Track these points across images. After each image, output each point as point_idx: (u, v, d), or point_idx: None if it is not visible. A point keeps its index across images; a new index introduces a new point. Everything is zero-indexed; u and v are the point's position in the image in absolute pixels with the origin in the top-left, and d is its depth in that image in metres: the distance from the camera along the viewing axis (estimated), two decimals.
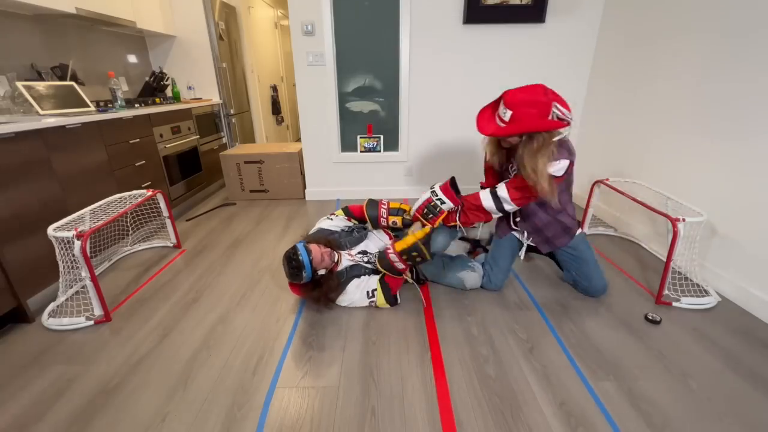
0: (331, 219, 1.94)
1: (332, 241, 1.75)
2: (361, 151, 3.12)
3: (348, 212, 1.97)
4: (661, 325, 1.55)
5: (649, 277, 1.92)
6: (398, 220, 1.78)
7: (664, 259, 1.67)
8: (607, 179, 2.16)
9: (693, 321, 1.57)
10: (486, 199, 1.56)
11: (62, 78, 2.43)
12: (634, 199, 1.89)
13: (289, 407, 1.19)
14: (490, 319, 1.61)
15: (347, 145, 3.12)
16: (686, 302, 1.66)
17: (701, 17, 1.86)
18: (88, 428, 1.13)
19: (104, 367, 1.37)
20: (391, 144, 3.11)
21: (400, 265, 1.60)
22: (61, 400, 1.23)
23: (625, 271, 1.99)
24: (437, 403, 1.20)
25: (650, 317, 1.58)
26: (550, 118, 1.40)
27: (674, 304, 1.67)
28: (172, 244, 2.34)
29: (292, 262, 1.55)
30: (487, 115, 1.52)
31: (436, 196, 1.60)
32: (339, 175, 3.19)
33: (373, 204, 1.87)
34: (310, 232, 1.87)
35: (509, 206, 1.54)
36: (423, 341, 1.48)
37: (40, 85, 2.14)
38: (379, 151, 3.12)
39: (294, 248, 1.58)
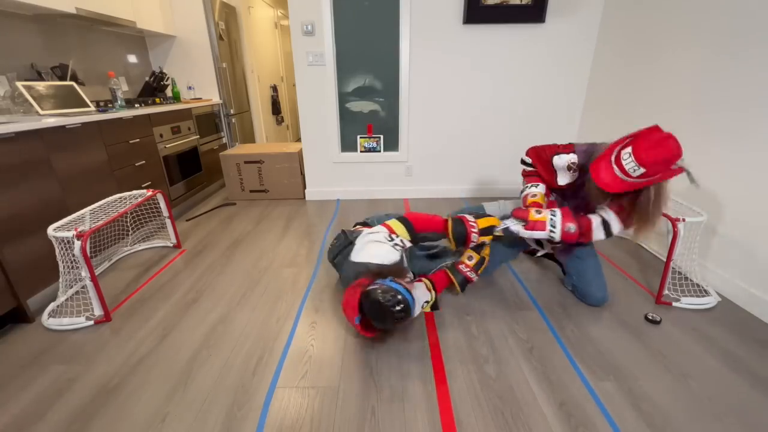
0: (392, 241, 1.53)
1: (404, 270, 1.50)
2: (361, 151, 3.12)
3: (410, 227, 1.58)
4: (661, 325, 1.55)
5: (649, 277, 1.92)
6: (488, 238, 1.58)
7: (664, 259, 1.67)
8: None
9: (693, 321, 1.57)
10: (598, 231, 1.49)
11: (62, 78, 2.43)
12: None
13: (289, 407, 1.19)
14: (490, 319, 1.61)
15: (347, 145, 3.12)
16: (686, 302, 1.66)
17: (701, 17, 1.86)
18: (88, 428, 1.13)
19: (104, 367, 1.37)
20: (391, 144, 3.11)
21: (475, 237, 1.55)
22: (61, 400, 1.23)
23: (625, 271, 1.99)
24: (437, 403, 1.20)
25: (650, 317, 1.58)
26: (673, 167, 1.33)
27: (674, 304, 1.67)
28: (172, 244, 2.34)
29: (398, 307, 1.27)
30: (603, 167, 1.37)
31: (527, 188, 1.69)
32: (339, 175, 3.19)
33: (459, 222, 1.58)
34: (366, 259, 1.49)
35: (616, 233, 1.51)
36: (423, 341, 1.48)
37: (40, 85, 2.14)
38: (379, 151, 3.12)
39: (390, 290, 1.29)
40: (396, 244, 1.52)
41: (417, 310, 1.39)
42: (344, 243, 1.70)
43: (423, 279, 1.59)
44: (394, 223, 1.58)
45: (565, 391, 1.23)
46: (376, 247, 1.50)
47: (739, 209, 1.69)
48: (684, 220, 1.60)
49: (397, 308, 1.27)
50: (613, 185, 1.35)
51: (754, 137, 1.62)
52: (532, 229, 1.50)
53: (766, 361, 1.36)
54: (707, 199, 1.83)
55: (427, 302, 1.52)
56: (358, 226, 1.86)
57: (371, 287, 1.33)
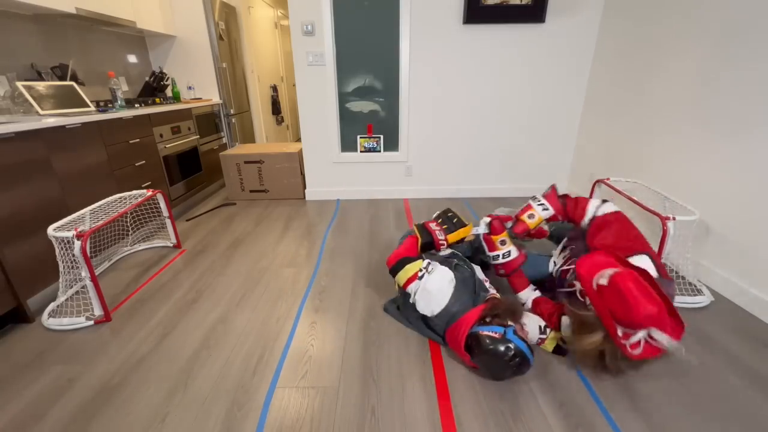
0: (427, 267, 1.45)
1: (519, 311, 1.36)
2: (361, 151, 3.12)
3: (422, 244, 1.57)
4: None
5: None
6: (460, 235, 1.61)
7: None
8: (608, 179, 2.16)
9: (693, 321, 1.57)
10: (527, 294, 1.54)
11: (62, 78, 2.43)
12: (630, 198, 1.90)
13: (289, 407, 1.19)
14: None
15: (347, 145, 3.12)
16: (679, 301, 1.66)
17: (701, 17, 1.86)
18: (88, 428, 1.13)
19: (104, 367, 1.37)
20: (391, 144, 3.11)
21: (434, 227, 1.60)
22: (61, 399, 1.23)
23: None
24: (437, 403, 1.20)
25: None
26: None
27: None
28: (172, 244, 2.34)
29: (518, 365, 1.18)
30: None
31: (538, 202, 1.60)
32: (339, 175, 3.19)
33: (424, 230, 1.61)
34: (441, 306, 1.38)
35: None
36: (423, 341, 1.48)
37: (40, 85, 2.14)
38: (379, 151, 3.12)
39: (508, 346, 1.17)
40: (426, 266, 1.44)
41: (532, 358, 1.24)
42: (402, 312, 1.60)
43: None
44: (402, 275, 1.47)
45: (564, 391, 1.23)
46: (430, 291, 1.39)
47: (738, 209, 1.69)
48: (674, 218, 1.59)
49: (514, 360, 1.17)
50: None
51: (753, 137, 1.62)
52: (487, 243, 1.60)
53: (765, 361, 1.36)
54: (707, 199, 1.83)
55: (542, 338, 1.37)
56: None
57: (486, 334, 1.22)
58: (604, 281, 1.18)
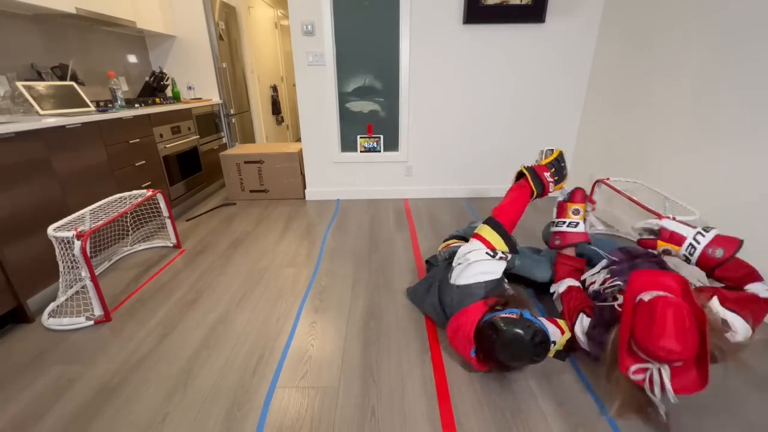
0: (495, 256, 1.41)
1: (525, 300, 1.34)
2: (361, 151, 3.12)
3: (503, 231, 1.48)
4: None
5: None
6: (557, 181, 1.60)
7: None
8: (608, 178, 2.16)
9: None
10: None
11: (62, 78, 2.43)
12: (630, 198, 1.89)
13: (289, 407, 1.19)
14: None
15: (347, 145, 3.12)
16: None
17: (701, 17, 1.86)
18: (88, 428, 1.13)
19: (104, 367, 1.37)
20: (391, 144, 3.11)
21: (548, 178, 1.56)
22: (61, 399, 1.23)
23: None
24: (437, 403, 1.20)
25: None
26: None
27: None
28: (172, 244, 2.34)
29: (540, 346, 1.13)
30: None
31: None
32: (339, 175, 3.19)
33: (534, 173, 1.59)
34: (473, 279, 1.36)
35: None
36: (423, 341, 1.48)
37: (40, 85, 2.14)
38: (379, 151, 3.12)
39: (528, 325, 1.13)
40: (500, 257, 1.41)
41: (552, 337, 1.20)
42: (434, 274, 1.58)
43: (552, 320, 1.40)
44: (488, 233, 1.45)
45: (564, 391, 1.23)
46: (480, 265, 1.37)
47: (738, 209, 1.69)
48: (674, 218, 1.59)
49: (535, 339, 1.10)
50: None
51: (753, 137, 1.62)
52: (559, 209, 1.58)
53: (766, 361, 1.36)
54: (707, 199, 1.83)
55: (554, 343, 1.28)
56: (449, 241, 1.80)
57: (493, 315, 1.19)
58: (646, 298, 1.07)
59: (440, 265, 1.64)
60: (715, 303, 1.12)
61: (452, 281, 1.41)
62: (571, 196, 1.56)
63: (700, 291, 1.18)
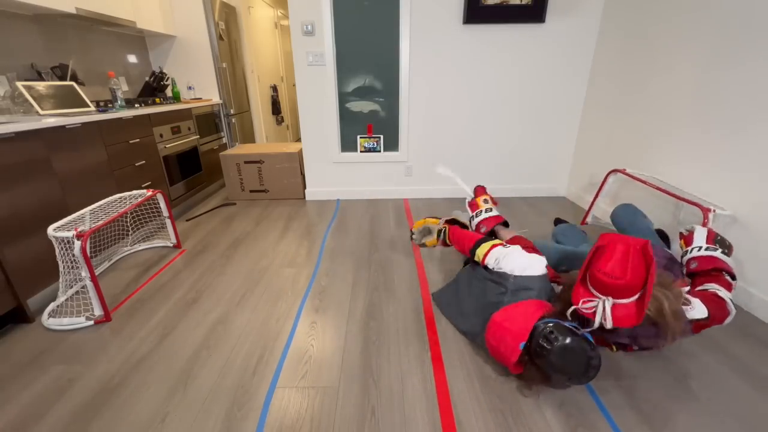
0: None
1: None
2: (361, 151, 3.12)
3: None
4: None
5: None
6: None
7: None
8: (624, 169, 2.25)
9: None
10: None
11: (62, 78, 2.43)
12: (658, 188, 1.97)
13: (289, 407, 1.19)
14: None
15: (347, 145, 3.12)
16: None
17: (701, 16, 1.86)
18: (88, 428, 1.13)
19: (104, 367, 1.37)
20: (391, 144, 3.11)
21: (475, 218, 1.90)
22: (61, 399, 1.23)
23: None
24: (437, 403, 1.20)
25: None
26: None
27: None
28: (172, 244, 2.34)
29: (593, 370, 1.09)
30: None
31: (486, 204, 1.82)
32: (339, 175, 3.19)
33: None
34: (535, 271, 1.38)
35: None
36: (423, 341, 1.48)
37: (40, 85, 2.14)
38: (379, 151, 3.12)
39: (594, 347, 1.09)
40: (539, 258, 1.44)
41: None
42: (460, 277, 1.65)
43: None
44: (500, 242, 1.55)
45: (564, 391, 1.23)
46: (523, 258, 1.41)
47: (737, 208, 1.69)
48: (714, 210, 1.67)
49: (593, 362, 1.07)
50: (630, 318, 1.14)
51: (753, 136, 1.62)
52: (471, 207, 1.94)
53: (766, 361, 1.36)
54: (706, 199, 1.83)
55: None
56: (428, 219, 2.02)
57: (559, 321, 1.15)
58: (606, 242, 1.21)
59: (466, 268, 1.69)
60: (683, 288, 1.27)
61: (508, 271, 1.40)
62: (476, 193, 1.90)
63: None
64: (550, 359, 1.10)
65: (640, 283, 1.13)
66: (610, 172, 2.23)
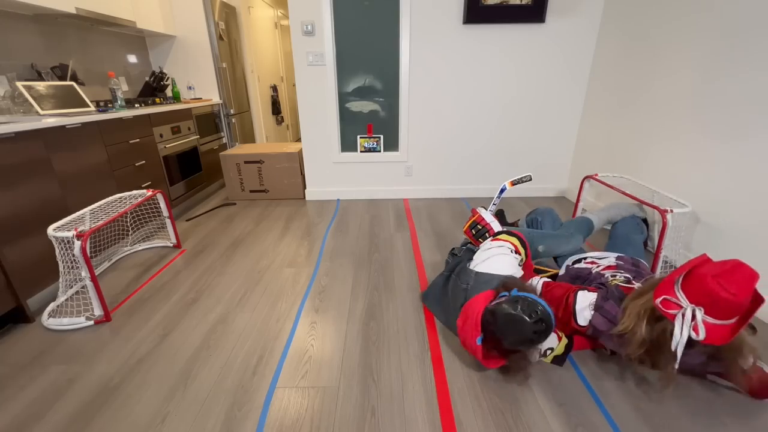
0: (519, 257, 1.47)
1: (530, 287, 1.38)
2: (361, 151, 3.12)
3: (524, 244, 1.55)
4: None
5: None
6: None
7: (653, 251, 1.71)
8: (596, 175, 2.28)
9: None
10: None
11: (62, 78, 2.43)
12: (623, 192, 1.96)
13: (289, 407, 1.19)
14: None
15: (347, 145, 3.12)
16: None
17: (701, 17, 1.86)
18: (88, 428, 1.13)
19: (104, 367, 1.37)
20: (391, 144, 3.11)
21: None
22: (61, 400, 1.23)
23: None
24: (437, 403, 1.20)
25: None
26: None
27: None
28: (172, 244, 2.34)
29: (541, 322, 1.11)
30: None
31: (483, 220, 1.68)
32: (339, 175, 3.19)
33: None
34: (493, 270, 1.41)
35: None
36: (423, 341, 1.48)
37: (40, 85, 2.14)
38: (379, 151, 3.12)
39: (529, 301, 1.15)
40: (521, 261, 1.45)
41: (549, 343, 1.20)
42: (456, 261, 1.63)
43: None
44: (507, 237, 1.52)
45: (565, 391, 1.23)
46: (503, 260, 1.41)
47: (737, 208, 1.69)
48: (672, 211, 1.71)
49: (533, 317, 1.09)
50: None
51: (753, 137, 1.62)
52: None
53: (765, 362, 1.36)
54: (705, 196, 1.83)
55: (551, 349, 1.26)
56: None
57: (497, 302, 1.20)
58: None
59: (462, 255, 1.69)
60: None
61: (471, 266, 1.45)
62: (473, 212, 1.79)
63: None
64: (499, 338, 1.17)
65: (744, 311, 1.07)
66: (584, 179, 2.30)
